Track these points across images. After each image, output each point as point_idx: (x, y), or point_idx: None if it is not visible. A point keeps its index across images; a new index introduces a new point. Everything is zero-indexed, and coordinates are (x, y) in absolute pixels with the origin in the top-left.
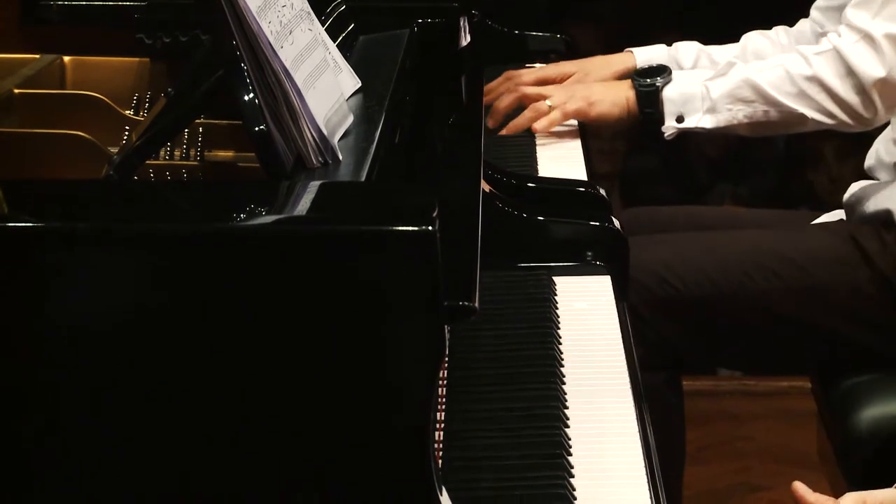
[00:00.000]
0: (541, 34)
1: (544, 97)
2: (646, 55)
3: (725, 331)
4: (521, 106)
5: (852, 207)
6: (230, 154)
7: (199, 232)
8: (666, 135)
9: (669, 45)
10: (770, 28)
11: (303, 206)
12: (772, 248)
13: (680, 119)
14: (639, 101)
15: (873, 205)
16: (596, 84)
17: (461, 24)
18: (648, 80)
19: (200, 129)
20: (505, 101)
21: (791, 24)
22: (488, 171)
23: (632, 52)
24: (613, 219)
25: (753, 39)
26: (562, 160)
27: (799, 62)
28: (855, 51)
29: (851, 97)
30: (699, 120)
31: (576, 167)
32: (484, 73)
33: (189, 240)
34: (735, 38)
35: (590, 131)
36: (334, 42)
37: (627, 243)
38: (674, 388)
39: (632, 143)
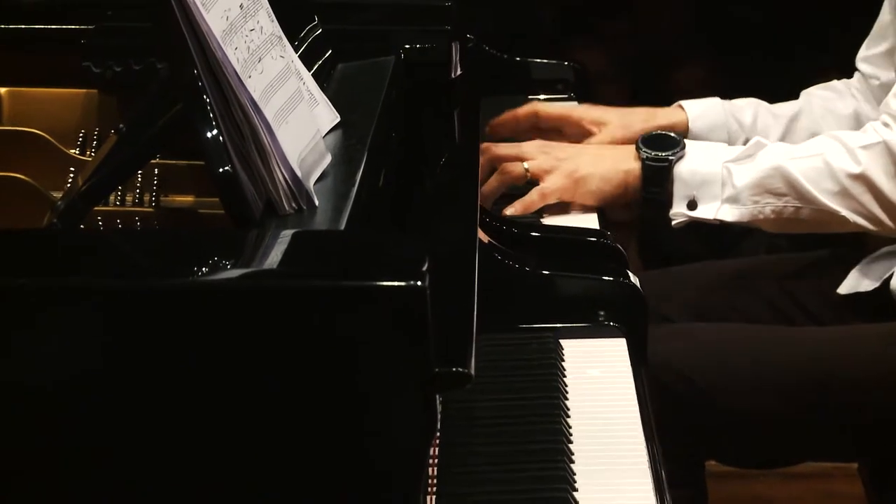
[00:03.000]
0: (546, 61)
1: (522, 159)
2: (698, 109)
3: (765, 440)
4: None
5: None
6: (190, 199)
7: (155, 288)
8: (674, 223)
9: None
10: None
11: (273, 258)
12: (832, 369)
13: (692, 205)
14: (644, 177)
15: None
16: (588, 150)
17: (453, 49)
18: (661, 154)
19: (156, 171)
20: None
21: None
22: (485, 219)
23: (682, 106)
24: (630, 273)
25: (817, 97)
26: (569, 206)
27: (842, 156)
28: None
29: None
30: (717, 210)
31: (586, 214)
32: (481, 105)
33: (144, 297)
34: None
35: None
36: (310, 71)
37: (646, 302)
38: (696, 465)
39: None
